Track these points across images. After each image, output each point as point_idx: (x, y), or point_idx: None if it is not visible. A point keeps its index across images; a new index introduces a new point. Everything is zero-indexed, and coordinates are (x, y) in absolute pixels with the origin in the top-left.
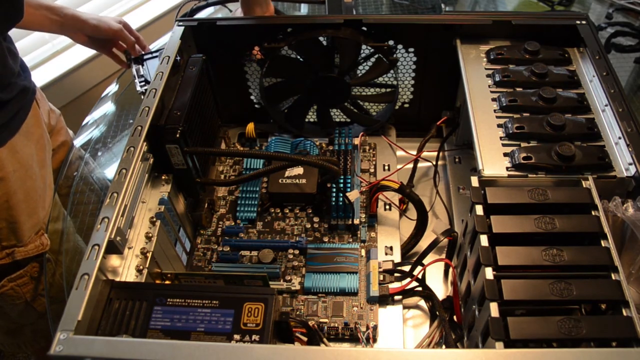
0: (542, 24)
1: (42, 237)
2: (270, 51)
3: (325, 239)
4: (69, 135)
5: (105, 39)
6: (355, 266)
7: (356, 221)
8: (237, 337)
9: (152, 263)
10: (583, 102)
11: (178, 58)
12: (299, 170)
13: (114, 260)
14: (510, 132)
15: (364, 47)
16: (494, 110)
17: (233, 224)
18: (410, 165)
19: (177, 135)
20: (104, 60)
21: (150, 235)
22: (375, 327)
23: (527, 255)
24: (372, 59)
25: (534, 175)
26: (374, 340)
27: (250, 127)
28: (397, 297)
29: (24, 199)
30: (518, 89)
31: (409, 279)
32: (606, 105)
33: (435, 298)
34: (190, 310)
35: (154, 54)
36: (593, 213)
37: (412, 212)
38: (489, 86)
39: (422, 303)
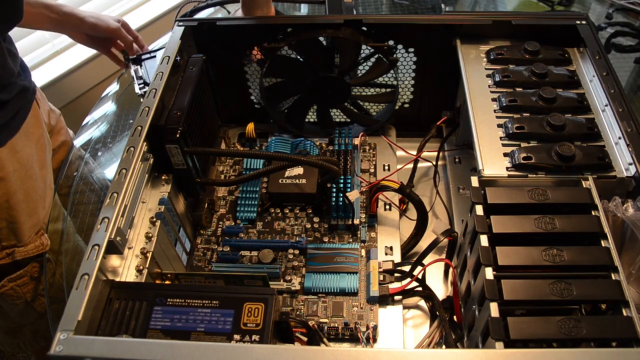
0: (542, 24)
1: (42, 237)
2: (270, 51)
3: (325, 239)
4: (69, 135)
5: (103, 38)
6: (355, 266)
7: (356, 221)
8: (237, 337)
9: (152, 263)
10: (583, 102)
11: (178, 58)
12: (299, 170)
13: (114, 260)
14: (510, 132)
15: (364, 47)
16: (494, 110)
17: (233, 224)
18: (410, 165)
19: (177, 135)
20: (104, 60)
21: (150, 235)
22: (375, 327)
23: (527, 255)
24: (372, 59)
25: (534, 175)
26: (374, 340)
27: (250, 127)
28: (397, 297)
29: (24, 199)
30: (518, 89)
31: (409, 279)
32: (606, 105)
33: (435, 298)
34: (190, 310)
35: (152, 54)
36: (593, 213)
37: (412, 212)
38: (489, 86)
39: (422, 303)
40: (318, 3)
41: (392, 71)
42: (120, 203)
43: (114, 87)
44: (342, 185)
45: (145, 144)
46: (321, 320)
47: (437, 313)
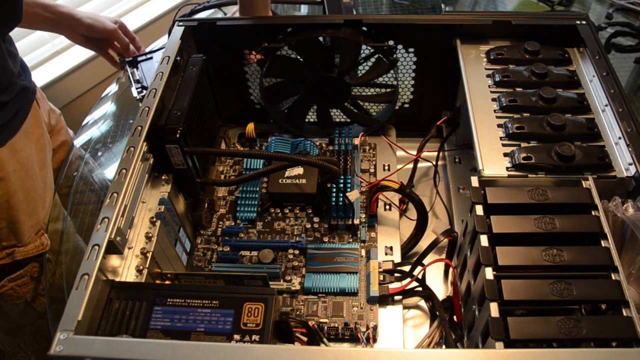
0: (542, 24)
1: (42, 237)
2: (270, 51)
3: (325, 239)
4: (69, 135)
5: (100, 39)
6: (355, 266)
7: (356, 221)
8: (237, 337)
9: (152, 263)
10: (583, 102)
11: (178, 58)
12: (299, 170)
13: (114, 260)
14: (510, 132)
15: (364, 47)
16: (494, 110)
17: (233, 224)
18: (410, 165)
19: (177, 135)
20: (103, 61)
21: (150, 235)
22: (375, 327)
23: (527, 255)
24: (372, 59)
25: (534, 175)
26: (374, 340)
27: (250, 127)
28: (397, 297)
29: (24, 199)
30: (518, 89)
31: (409, 279)
32: (606, 105)
33: (435, 298)
34: (190, 310)
35: (149, 56)
36: (593, 213)
37: (412, 212)
38: (489, 86)
39: (422, 303)
40: (315, 4)
41: (392, 71)
42: (120, 203)
43: (113, 88)
44: (342, 185)
45: (145, 144)
46: (321, 320)
47: (437, 313)
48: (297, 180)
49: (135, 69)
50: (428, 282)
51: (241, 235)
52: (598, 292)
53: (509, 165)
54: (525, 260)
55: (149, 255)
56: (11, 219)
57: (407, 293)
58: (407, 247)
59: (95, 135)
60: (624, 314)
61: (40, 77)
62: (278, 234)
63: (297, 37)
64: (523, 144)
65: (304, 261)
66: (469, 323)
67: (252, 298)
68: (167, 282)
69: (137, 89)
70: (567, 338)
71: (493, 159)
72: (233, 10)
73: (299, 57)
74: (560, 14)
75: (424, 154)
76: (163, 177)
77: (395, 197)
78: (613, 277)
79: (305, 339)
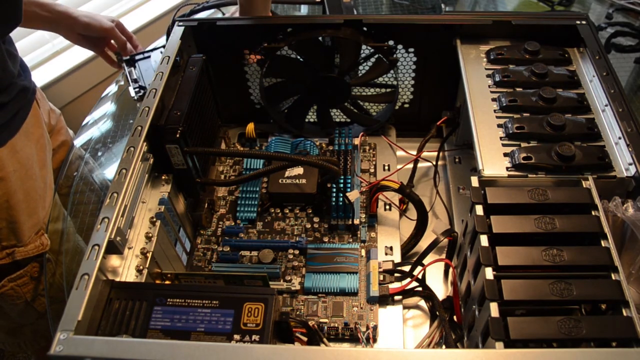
0: (542, 24)
1: (42, 237)
2: (270, 51)
3: (325, 239)
4: (69, 135)
5: (97, 37)
6: (355, 266)
7: (356, 221)
8: (237, 337)
9: (152, 263)
10: (583, 102)
11: (178, 58)
12: (299, 170)
13: (114, 260)
14: (510, 132)
15: (364, 47)
16: (494, 110)
17: (233, 224)
18: (410, 165)
19: (177, 135)
20: (103, 61)
21: (150, 235)
22: (375, 327)
23: (527, 255)
24: (372, 59)
25: (534, 175)
26: (374, 340)
27: (250, 127)
28: (397, 297)
29: (24, 199)
30: (518, 89)
31: (409, 279)
32: (606, 105)
33: (435, 298)
34: (190, 310)
35: (146, 55)
36: (593, 213)
37: (412, 212)
38: (489, 86)
39: (422, 303)
40: (315, 4)
41: (392, 71)
42: (120, 203)
43: (113, 88)
44: (342, 185)
45: (145, 144)
46: (321, 320)
47: (437, 313)
48: (297, 180)
49: (132, 68)
50: (428, 282)
51: (241, 235)
52: (598, 292)
53: (509, 165)
54: (525, 260)
55: (149, 255)
56: (11, 219)
57: (407, 293)
58: (407, 247)
59: (95, 135)
60: (624, 314)
61: (40, 77)
62: (278, 234)
63: (297, 37)
64: (523, 144)
65: (304, 261)
66: (469, 323)
67: (252, 298)
68: (167, 282)
69: (134, 88)
70: (567, 338)
71: (493, 159)
72: (232, 10)
73: (299, 57)
74: (560, 14)
75: (424, 154)
76: (163, 177)
77: (395, 197)
78: (613, 277)
79: (305, 339)
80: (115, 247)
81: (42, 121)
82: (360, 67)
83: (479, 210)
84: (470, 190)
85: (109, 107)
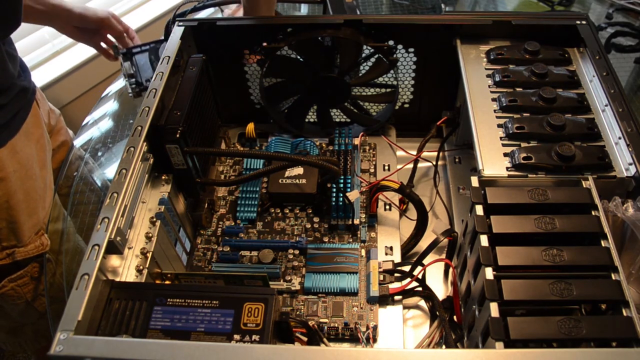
0: (542, 24)
1: (42, 237)
2: (270, 51)
3: (325, 239)
4: (69, 135)
5: (93, 29)
6: (355, 266)
7: (356, 221)
8: (237, 337)
9: (152, 263)
10: (583, 102)
11: (178, 58)
12: (299, 170)
13: (114, 260)
14: (510, 132)
15: (364, 47)
16: (494, 110)
17: (233, 224)
18: (410, 165)
19: (177, 135)
20: (104, 60)
21: (150, 235)
22: (375, 327)
23: (527, 255)
24: (372, 59)
25: (534, 175)
26: (374, 340)
27: (250, 127)
28: (397, 297)
29: (24, 199)
30: (518, 89)
31: (409, 279)
32: (606, 105)
33: (435, 298)
34: (190, 310)
35: (144, 48)
36: (593, 213)
37: (412, 212)
38: (489, 86)
39: (422, 303)
40: (315, 3)
41: (392, 71)
42: (120, 203)
43: (113, 87)
44: (342, 185)
45: (145, 144)
46: (321, 320)
47: (437, 313)
48: (297, 180)
49: (129, 62)
50: (428, 282)
51: (241, 235)
52: (598, 292)
53: (509, 165)
54: (525, 260)
55: (149, 255)
56: (11, 219)
57: (407, 293)
58: (407, 247)
59: (95, 135)
60: (624, 314)
61: (40, 77)
62: (278, 234)
63: (297, 37)
64: (523, 144)
65: (304, 261)
66: (469, 323)
67: (252, 298)
68: (167, 282)
69: (131, 84)
70: (567, 338)
71: (493, 159)
72: (233, 9)
73: (299, 57)
74: (560, 14)
75: (424, 154)
76: (163, 177)
77: (395, 197)
78: (613, 277)
79: (305, 339)
80: (115, 247)
81: (42, 121)
82: (360, 67)
83: (479, 210)
84: (470, 190)
85: (109, 107)
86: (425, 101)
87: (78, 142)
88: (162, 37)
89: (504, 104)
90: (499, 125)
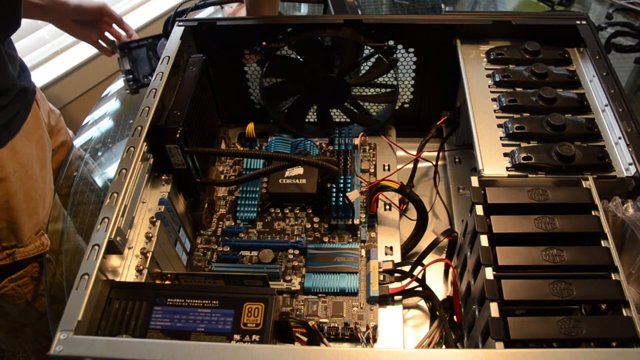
0: (542, 24)
1: (42, 237)
2: (270, 51)
3: (325, 239)
4: (69, 135)
5: (90, 23)
6: (355, 266)
7: (356, 221)
8: (237, 337)
9: (152, 263)
10: (583, 102)
11: (178, 58)
12: (299, 170)
13: (114, 260)
14: (510, 132)
15: (364, 47)
16: (494, 110)
17: (233, 224)
18: (410, 165)
19: (177, 135)
20: (104, 60)
21: (150, 235)
22: (375, 327)
23: (527, 255)
24: (372, 59)
25: (534, 175)
26: (374, 340)
27: (250, 127)
28: (397, 297)
29: (24, 200)
30: (518, 89)
31: (409, 279)
32: (606, 105)
33: (435, 298)
34: (190, 310)
35: (141, 43)
36: (593, 213)
37: (412, 212)
38: (489, 86)
39: (422, 303)
40: (315, 2)
41: (392, 71)
42: (120, 203)
43: (113, 87)
44: (342, 185)
45: (145, 144)
46: (321, 320)
47: (437, 313)
48: (297, 180)
49: (126, 58)
50: (428, 282)
51: (241, 235)
52: (598, 292)
53: (509, 165)
54: (525, 260)
55: (149, 255)
56: (11, 220)
57: (407, 293)
58: (407, 247)
59: (95, 135)
60: (624, 314)
61: (40, 77)
62: (278, 234)
63: (297, 37)
64: (523, 144)
65: (304, 261)
66: (469, 323)
67: (252, 298)
68: (167, 282)
69: (128, 80)
70: (567, 338)
71: (493, 159)
72: (231, 9)
73: (299, 57)
74: (560, 14)
75: (424, 154)
76: (163, 177)
77: (395, 197)
78: (613, 277)
79: (305, 339)
80: (115, 247)
81: (42, 121)
82: (361, 67)
83: (479, 210)
84: (470, 190)
85: (109, 107)
86: (425, 101)
87: (78, 142)
88: (161, 33)
89: (504, 104)
90: (499, 125)
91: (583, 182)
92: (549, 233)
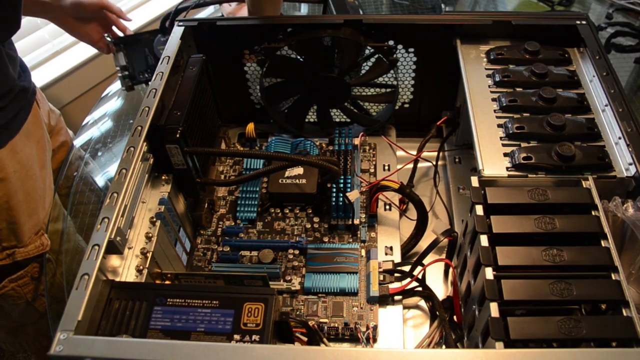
0: (542, 24)
1: (42, 237)
2: (270, 51)
3: (325, 239)
4: (69, 135)
5: (89, 19)
6: (355, 266)
7: (356, 221)
8: (237, 337)
9: (152, 263)
10: (583, 102)
11: (178, 58)
12: (299, 170)
13: (114, 260)
14: (510, 132)
15: (364, 47)
16: (494, 110)
17: (233, 224)
18: (410, 165)
19: (177, 135)
20: (104, 60)
21: (150, 235)
22: (375, 327)
23: (527, 255)
24: (372, 59)
25: (534, 175)
26: (374, 340)
27: (250, 127)
28: (397, 297)
29: (24, 200)
30: (518, 89)
31: (409, 279)
32: (606, 105)
33: (435, 298)
34: (190, 310)
35: (137, 38)
36: (593, 213)
37: (412, 212)
38: (489, 86)
39: (422, 303)
40: (318, 2)
41: (392, 71)
42: (120, 203)
43: (113, 87)
44: (342, 185)
45: (145, 144)
46: (321, 320)
47: (437, 313)
48: (297, 180)
49: (121, 53)
50: (428, 282)
51: (241, 235)
52: (598, 292)
53: (509, 165)
54: (525, 260)
55: (149, 255)
56: (11, 220)
57: (407, 293)
58: (407, 247)
59: (95, 135)
60: (624, 314)
61: (40, 77)
62: (278, 234)
63: (297, 37)
64: (523, 144)
65: (304, 261)
66: (469, 323)
67: (252, 298)
68: (167, 282)
69: (124, 77)
70: (567, 338)
71: (493, 159)
72: (231, 8)
73: (299, 57)
74: (560, 14)
75: (424, 154)
76: (163, 177)
77: (395, 197)
78: (613, 277)
79: (305, 339)
80: (115, 247)
81: (42, 122)
82: (361, 67)
83: (479, 210)
84: (470, 190)
85: (109, 107)
86: (425, 101)
87: (78, 142)
88: (157, 29)
89: (504, 104)
90: (499, 125)
91: (583, 182)
92: (549, 233)
